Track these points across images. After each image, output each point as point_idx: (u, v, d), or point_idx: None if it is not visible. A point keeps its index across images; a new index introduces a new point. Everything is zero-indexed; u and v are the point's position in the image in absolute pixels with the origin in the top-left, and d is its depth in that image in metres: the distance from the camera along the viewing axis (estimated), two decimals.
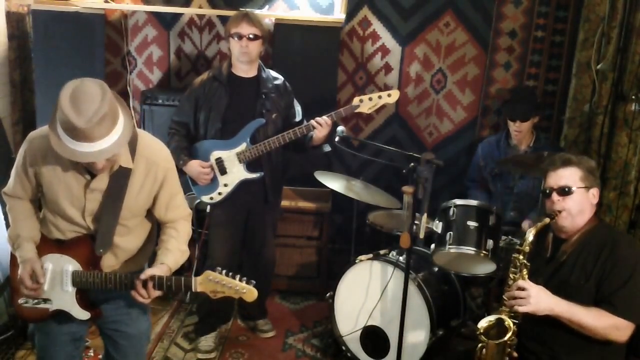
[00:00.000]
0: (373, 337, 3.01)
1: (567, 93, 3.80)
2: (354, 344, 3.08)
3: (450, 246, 2.82)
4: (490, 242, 2.80)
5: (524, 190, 3.44)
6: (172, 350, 3.24)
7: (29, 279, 1.95)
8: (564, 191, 2.10)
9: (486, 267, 2.93)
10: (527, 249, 2.07)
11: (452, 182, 4.12)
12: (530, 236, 2.07)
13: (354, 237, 3.61)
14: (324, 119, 2.93)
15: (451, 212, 2.88)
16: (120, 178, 1.95)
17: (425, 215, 2.61)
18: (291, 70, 3.39)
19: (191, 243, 2.19)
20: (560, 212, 2.10)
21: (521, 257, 2.07)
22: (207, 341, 3.22)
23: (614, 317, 1.98)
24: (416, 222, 2.61)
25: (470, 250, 2.81)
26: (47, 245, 2.03)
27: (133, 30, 4.11)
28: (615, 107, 3.32)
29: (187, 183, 2.99)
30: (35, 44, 3.70)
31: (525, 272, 2.07)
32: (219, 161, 2.99)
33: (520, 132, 3.48)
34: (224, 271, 1.94)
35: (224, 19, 3.94)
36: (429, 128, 4.19)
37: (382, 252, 3.06)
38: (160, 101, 3.80)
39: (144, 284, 1.92)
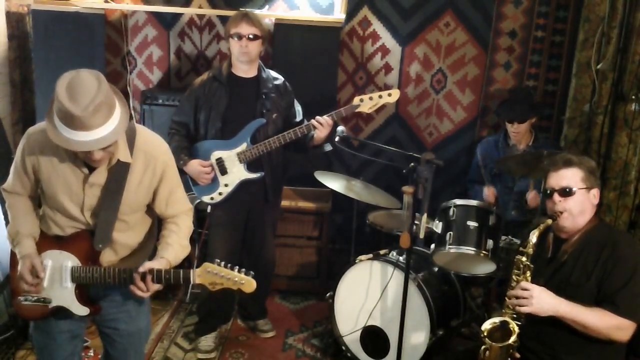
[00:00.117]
0: (373, 337, 3.01)
1: (567, 93, 3.80)
2: (354, 344, 3.08)
3: (450, 246, 2.82)
4: (490, 242, 2.80)
5: (524, 189, 3.44)
6: (172, 350, 3.24)
7: (29, 274, 1.95)
8: (566, 192, 2.10)
9: (486, 267, 2.93)
10: (530, 250, 2.07)
11: (452, 182, 4.12)
12: (533, 238, 2.07)
13: (354, 237, 3.61)
14: (325, 119, 2.93)
15: (451, 212, 2.88)
16: (119, 173, 1.95)
17: (425, 215, 2.61)
18: (291, 70, 3.39)
19: (191, 243, 2.19)
20: (561, 212, 2.10)
21: (524, 258, 2.08)
22: (207, 341, 3.22)
23: (617, 317, 1.98)
24: (416, 222, 2.60)
25: (470, 250, 2.81)
26: (47, 241, 2.03)
27: (133, 30, 4.11)
28: (615, 107, 3.32)
29: (188, 183, 2.99)
30: (35, 44, 3.70)
31: (528, 273, 2.07)
32: (220, 161, 3.00)
33: (518, 132, 3.48)
34: (222, 263, 1.94)
35: (224, 19, 3.94)
36: (429, 128, 4.19)
37: (382, 252, 3.06)
38: (160, 101, 3.80)
39: (143, 277, 1.92)
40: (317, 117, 2.94)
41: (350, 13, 3.97)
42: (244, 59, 2.97)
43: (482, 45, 4.00)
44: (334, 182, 3.34)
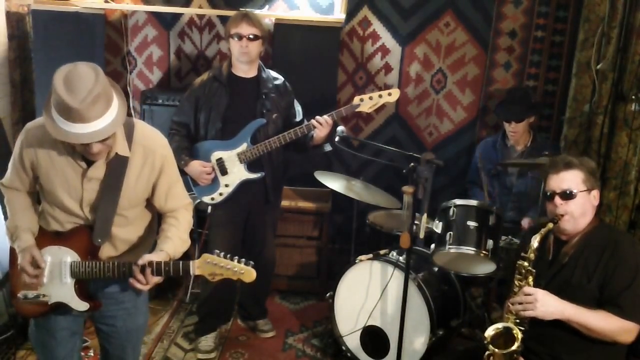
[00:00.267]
0: (373, 337, 3.01)
1: (567, 93, 3.79)
2: (354, 344, 3.08)
3: (450, 246, 2.82)
4: (490, 242, 2.80)
5: (522, 190, 3.45)
6: (172, 350, 3.24)
7: (29, 266, 1.95)
8: (567, 195, 2.08)
9: (486, 267, 2.93)
10: (532, 256, 2.06)
11: (452, 182, 4.12)
12: (535, 243, 2.06)
13: (354, 237, 3.62)
14: (325, 118, 2.93)
15: (451, 212, 2.88)
16: (117, 167, 1.95)
17: (425, 215, 2.61)
18: (291, 70, 3.39)
19: (191, 243, 2.19)
20: (562, 215, 2.09)
21: (526, 263, 2.06)
22: (207, 341, 3.22)
23: (621, 319, 1.97)
24: (416, 222, 2.61)
25: (470, 250, 2.81)
26: (46, 238, 2.03)
27: (133, 30, 4.11)
28: (615, 107, 3.31)
29: (188, 183, 2.98)
30: (35, 44, 3.70)
31: (530, 278, 2.06)
32: (220, 161, 3.00)
33: (516, 132, 3.49)
34: (222, 254, 1.94)
35: (224, 19, 3.94)
36: (429, 128, 4.19)
37: (382, 252, 3.06)
38: (160, 101, 3.80)
39: (142, 270, 1.92)
40: (317, 117, 2.94)
41: (350, 13, 3.97)
42: (244, 59, 2.97)
43: (482, 45, 4.00)
44: (334, 182, 3.34)
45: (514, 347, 1.99)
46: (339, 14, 3.86)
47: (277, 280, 3.73)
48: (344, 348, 3.12)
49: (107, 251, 2.04)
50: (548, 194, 2.14)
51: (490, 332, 2.05)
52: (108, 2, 3.87)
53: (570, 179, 2.10)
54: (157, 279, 1.95)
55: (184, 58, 4.16)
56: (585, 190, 2.09)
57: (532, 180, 3.45)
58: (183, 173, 2.92)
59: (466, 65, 4.05)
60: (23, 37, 3.91)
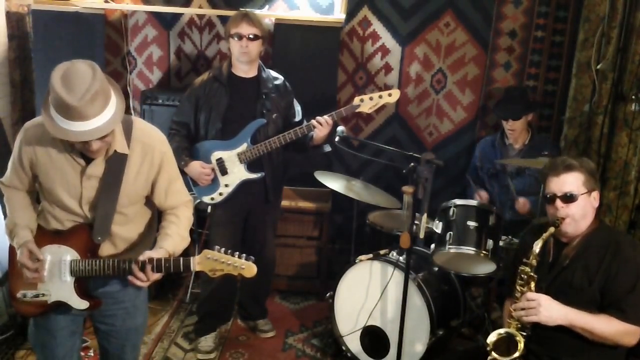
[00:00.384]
0: (373, 337, 3.01)
1: (567, 93, 3.80)
2: (354, 344, 3.08)
3: (450, 246, 2.82)
4: (490, 242, 2.80)
5: (520, 188, 3.45)
6: (172, 350, 3.24)
7: (28, 260, 1.95)
8: (568, 198, 2.06)
9: (486, 267, 2.93)
10: (534, 262, 2.04)
11: (452, 182, 4.12)
12: (536, 248, 2.04)
13: (354, 237, 3.62)
14: (325, 119, 2.93)
15: (451, 212, 2.88)
16: (116, 164, 1.95)
17: (425, 215, 2.61)
18: (291, 70, 3.39)
19: (191, 243, 2.18)
20: (563, 218, 2.07)
21: (528, 269, 2.05)
22: (207, 341, 3.22)
23: (624, 323, 1.97)
24: (416, 222, 2.61)
25: (470, 250, 2.81)
26: (46, 236, 2.03)
27: (133, 30, 4.11)
28: (615, 107, 3.32)
29: (188, 183, 2.98)
30: (35, 44, 3.71)
31: (532, 284, 2.05)
32: (220, 161, 2.99)
33: (514, 130, 3.50)
34: (222, 249, 1.94)
35: (224, 19, 3.94)
36: (429, 128, 4.19)
37: (382, 252, 3.06)
38: (160, 101, 3.80)
39: (143, 266, 1.92)
40: (318, 117, 2.94)
41: (350, 13, 3.97)
42: (244, 59, 2.97)
43: (482, 45, 4.00)
44: (334, 182, 3.34)
45: (516, 355, 1.98)
46: (339, 14, 3.86)
47: (277, 280, 3.73)
48: (344, 348, 3.12)
49: (107, 249, 2.04)
50: (548, 196, 2.11)
51: (492, 338, 2.03)
52: (108, 2, 3.87)
53: (571, 182, 2.07)
54: (157, 276, 1.95)
55: (184, 58, 4.16)
56: (586, 193, 2.08)
57: (529, 179, 3.45)
58: (183, 173, 2.92)
59: (466, 65, 4.05)
60: (23, 37, 3.91)
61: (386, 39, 4.04)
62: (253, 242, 3.20)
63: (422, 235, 2.63)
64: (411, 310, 2.76)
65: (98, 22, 3.69)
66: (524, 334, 2.03)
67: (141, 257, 1.92)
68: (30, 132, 1.97)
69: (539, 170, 3.25)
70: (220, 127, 3.00)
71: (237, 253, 1.94)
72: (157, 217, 2.19)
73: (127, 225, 2.06)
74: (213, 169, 2.99)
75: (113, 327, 2.14)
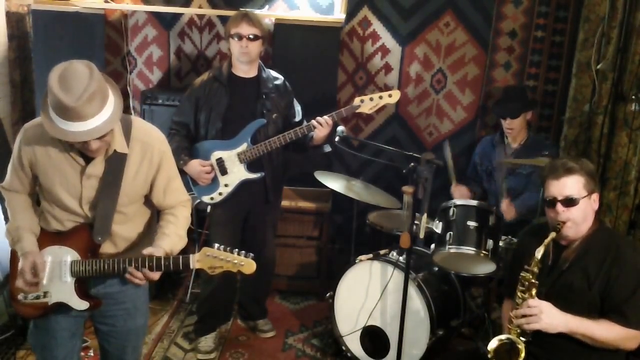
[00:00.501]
0: (373, 337, 3.01)
1: (567, 93, 3.79)
2: (354, 344, 3.08)
3: (450, 246, 2.82)
4: (490, 242, 2.80)
5: (513, 187, 3.45)
6: (172, 350, 3.24)
7: (29, 273, 1.95)
8: (569, 201, 2.04)
9: (486, 267, 2.93)
10: (535, 269, 2.01)
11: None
12: (538, 255, 2.01)
13: (354, 237, 3.61)
14: (325, 119, 2.93)
15: (451, 212, 2.88)
16: (115, 163, 1.96)
17: (425, 215, 2.62)
18: (291, 70, 3.39)
19: (191, 243, 2.18)
20: (564, 222, 2.05)
21: (530, 276, 2.02)
22: (207, 341, 3.22)
23: (625, 328, 1.96)
24: (416, 222, 2.61)
25: (470, 250, 2.81)
26: (46, 238, 2.03)
27: (133, 30, 4.11)
28: (615, 107, 3.32)
29: (188, 183, 2.99)
30: (35, 44, 3.70)
31: (534, 291, 2.02)
32: (220, 161, 3.00)
33: (513, 129, 3.50)
34: (221, 247, 1.94)
35: (224, 19, 3.94)
36: (429, 128, 4.19)
37: (382, 252, 3.06)
38: (160, 101, 3.80)
39: (142, 264, 1.92)
40: (318, 118, 2.94)
41: (350, 13, 3.97)
42: (244, 59, 2.98)
43: (482, 45, 4.00)
44: (334, 182, 3.34)
45: None
46: (339, 14, 3.86)
47: (277, 280, 3.73)
48: (344, 348, 3.12)
49: (107, 249, 2.04)
50: (548, 200, 2.09)
51: (493, 345, 2.02)
52: (108, 2, 3.87)
53: (571, 185, 2.05)
54: (155, 275, 1.95)
55: (184, 58, 4.16)
56: (586, 196, 2.05)
57: (524, 177, 3.45)
58: (183, 173, 2.93)
59: (466, 65, 4.05)
60: (23, 37, 3.91)
61: (386, 39, 4.04)
62: (253, 242, 3.20)
63: (422, 235, 2.64)
64: (411, 310, 2.76)
65: (98, 22, 3.69)
66: (524, 339, 2.01)
67: (146, 251, 1.93)
68: (29, 133, 1.97)
69: (535, 170, 3.28)
70: (220, 127, 3.00)
71: (237, 250, 1.94)
72: (157, 216, 2.19)
73: (127, 225, 2.06)
74: (212, 167, 2.99)
75: (114, 328, 2.14)
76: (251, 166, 3.00)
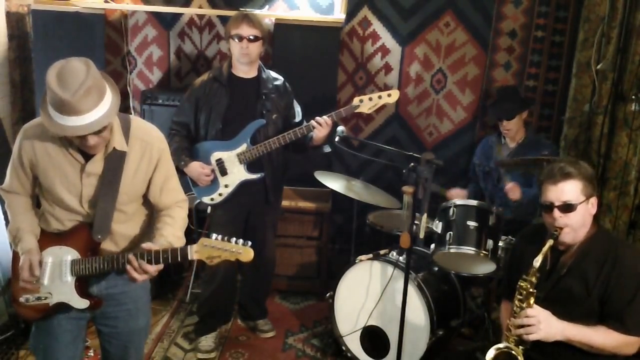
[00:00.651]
0: (373, 337, 3.01)
1: (567, 93, 3.80)
2: (354, 344, 3.08)
3: (450, 246, 2.83)
4: (490, 242, 2.80)
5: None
6: (172, 350, 3.24)
7: (27, 271, 1.95)
8: (567, 207, 2.01)
9: (486, 267, 2.93)
10: (533, 279, 1.98)
11: (452, 182, 4.11)
12: (536, 264, 1.98)
13: (354, 237, 3.62)
14: (324, 119, 2.93)
15: (451, 212, 2.88)
16: (115, 161, 1.96)
17: (425, 215, 2.62)
18: (291, 70, 3.39)
19: (191, 243, 2.18)
20: (562, 228, 2.02)
21: (527, 285, 1.99)
22: (207, 341, 3.22)
23: (624, 334, 1.95)
24: (416, 222, 2.61)
25: (470, 250, 2.81)
26: (47, 239, 2.03)
27: (133, 30, 4.12)
28: (615, 107, 3.32)
29: (188, 184, 2.99)
30: (35, 44, 3.71)
31: (532, 300, 1.99)
32: (220, 162, 2.99)
33: (510, 130, 3.49)
34: (219, 236, 1.93)
35: (224, 19, 3.94)
36: (429, 128, 4.19)
37: (382, 252, 3.06)
38: (160, 101, 3.81)
39: (141, 258, 1.92)
40: (317, 118, 2.94)
41: (350, 13, 3.97)
42: (245, 60, 2.98)
43: (482, 45, 4.00)
44: (334, 182, 3.34)
45: None
46: (339, 14, 3.86)
47: (277, 280, 3.73)
48: (344, 348, 3.12)
49: (107, 247, 2.04)
50: (546, 205, 2.06)
51: (491, 354, 2.00)
52: (108, 2, 3.87)
53: (569, 191, 2.01)
54: (155, 269, 1.94)
55: (184, 58, 4.16)
56: (584, 201, 2.02)
57: (522, 178, 3.45)
58: (183, 174, 2.93)
59: (466, 65, 4.05)
60: (23, 37, 3.91)
61: (386, 39, 4.05)
62: (253, 242, 3.18)
63: (422, 235, 2.64)
64: (411, 310, 2.76)
65: (98, 22, 3.69)
66: (523, 347, 2.00)
67: (145, 245, 1.93)
68: (29, 132, 1.98)
69: (537, 178, 3.27)
70: (220, 128, 3.00)
71: (234, 239, 1.93)
72: None
73: (127, 223, 2.07)
74: (213, 170, 2.99)
75: (115, 329, 2.14)
76: (251, 167, 3.00)
